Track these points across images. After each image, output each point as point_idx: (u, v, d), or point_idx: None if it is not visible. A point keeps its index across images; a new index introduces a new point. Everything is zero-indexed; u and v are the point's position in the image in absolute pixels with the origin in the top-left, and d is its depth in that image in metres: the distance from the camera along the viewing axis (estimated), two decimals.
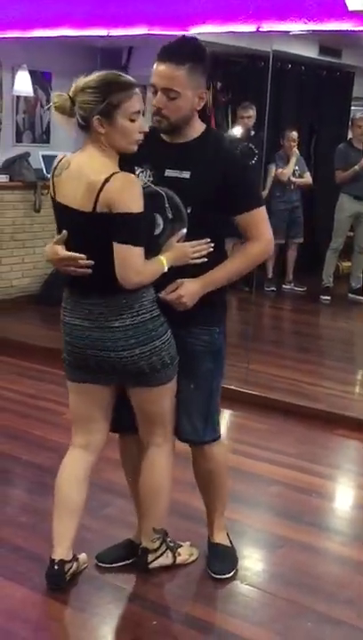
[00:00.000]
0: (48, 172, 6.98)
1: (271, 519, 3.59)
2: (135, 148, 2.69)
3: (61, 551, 2.88)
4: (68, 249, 2.70)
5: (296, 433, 4.64)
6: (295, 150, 8.01)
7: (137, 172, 2.76)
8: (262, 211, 2.87)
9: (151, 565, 3.00)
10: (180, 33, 4.97)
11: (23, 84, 7.10)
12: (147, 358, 2.72)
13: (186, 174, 2.76)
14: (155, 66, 2.73)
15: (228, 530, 3.22)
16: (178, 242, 2.74)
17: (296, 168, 8.07)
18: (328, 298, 7.82)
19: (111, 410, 2.93)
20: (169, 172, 2.78)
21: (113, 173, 2.59)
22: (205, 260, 2.78)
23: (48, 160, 7.15)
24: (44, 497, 3.51)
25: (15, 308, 6.94)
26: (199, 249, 2.76)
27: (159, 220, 2.73)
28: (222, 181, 2.74)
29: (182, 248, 2.74)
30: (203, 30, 4.85)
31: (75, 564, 2.94)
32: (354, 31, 4.48)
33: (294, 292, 8.25)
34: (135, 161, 2.74)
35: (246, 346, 5.67)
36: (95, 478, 3.04)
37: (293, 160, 8.01)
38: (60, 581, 2.87)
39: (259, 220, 2.85)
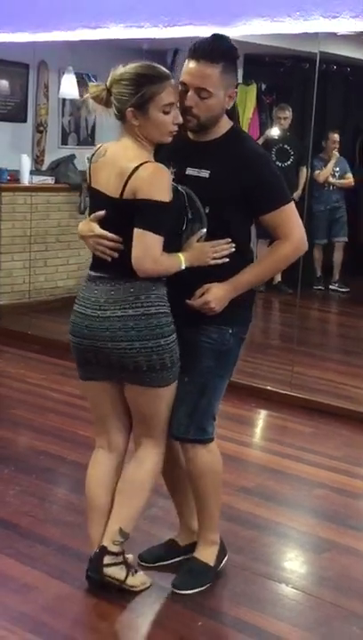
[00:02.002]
0: None
1: (316, 522, 3.56)
2: (169, 139, 2.68)
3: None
4: None
5: (341, 436, 4.61)
6: (335, 152, 8.00)
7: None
8: (290, 207, 2.77)
9: (106, 570, 2.81)
10: (225, 34, 4.97)
11: (69, 86, 7.14)
12: (147, 355, 2.67)
13: (205, 173, 2.72)
14: (186, 64, 2.69)
15: (223, 546, 3.05)
16: (198, 242, 2.72)
17: (337, 169, 8.05)
18: None
19: (124, 409, 2.86)
20: (189, 171, 2.75)
21: (144, 162, 2.60)
22: (226, 260, 2.72)
23: None
24: None
25: (60, 309, 6.97)
26: (219, 249, 2.72)
27: (182, 220, 2.71)
28: (243, 181, 2.69)
29: (202, 247, 2.71)
30: (248, 31, 4.84)
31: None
32: None
33: (338, 293, 8.21)
34: (159, 158, 2.70)
35: (290, 348, 5.65)
36: None
37: (332, 162, 8.00)
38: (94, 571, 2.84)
39: (287, 218, 2.76)
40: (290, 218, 2.78)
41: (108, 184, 2.67)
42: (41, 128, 7.31)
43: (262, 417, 5.01)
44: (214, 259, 2.71)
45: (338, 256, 8.23)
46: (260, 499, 3.71)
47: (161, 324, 2.68)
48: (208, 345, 2.79)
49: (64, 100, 7.43)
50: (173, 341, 2.71)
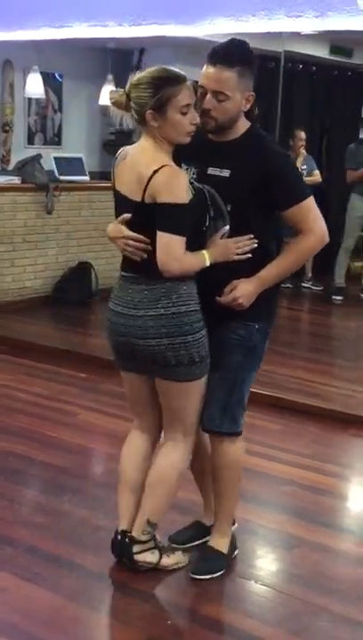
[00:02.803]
0: (59, 174, 7.11)
1: (285, 519, 3.58)
2: (188, 139, 2.77)
3: (124, 523, 2.99)
4: None
5: (310, 433, 4.63)
6: (302, 150, 8.04)
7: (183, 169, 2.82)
8: (309, 202, 2.86)
9: (137, 557, 2.96)
10: (190, 33, 4.99)
11: (35, 85, 7.12)
12: (175, 350, 2.78)
13: (226, 172, 2.83)
14: (204, 68, 2.80)
15: (234, 537, 3.13)
16: (221, 238, 2.81)
17: (304, 167, 8.09)
18: (340, 298, 7.82)
19: (158, 397, 2.97)
20: (211, 170, 2.85)
21: (162, 166, 2.69)
22: (249, 256, 2.81)
23: (59, 162, 7.17)
24: (59, 497, 3.53)
25: (28, 310, 6.96)
26: (242, 245, 2.81)
27: (205, 218, 2.80)
28: (263, 179, 2.78)
29: (225, 243, 2.81)
30: (212, 30, 4.84)
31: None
32: None
33: (311, 291, 8.25)
34: (182, 158, 2.81)
35: None
36: None
37: (299, 160, 8.03)
38: (122, 551, 2.97)
39: (307, 213, 2.86)
40: (310, 212, 2.87)
41: (130, 187, 2.76)
42: (7, 128, 7.27)
43: None
44: (238, 254, 2.80)
45: None
46: None
47: (191, 322, 2.79)
48: (236, 341, 2.90)
49: (30, 99, 7.40)
50: (202, 337, 2.82)
